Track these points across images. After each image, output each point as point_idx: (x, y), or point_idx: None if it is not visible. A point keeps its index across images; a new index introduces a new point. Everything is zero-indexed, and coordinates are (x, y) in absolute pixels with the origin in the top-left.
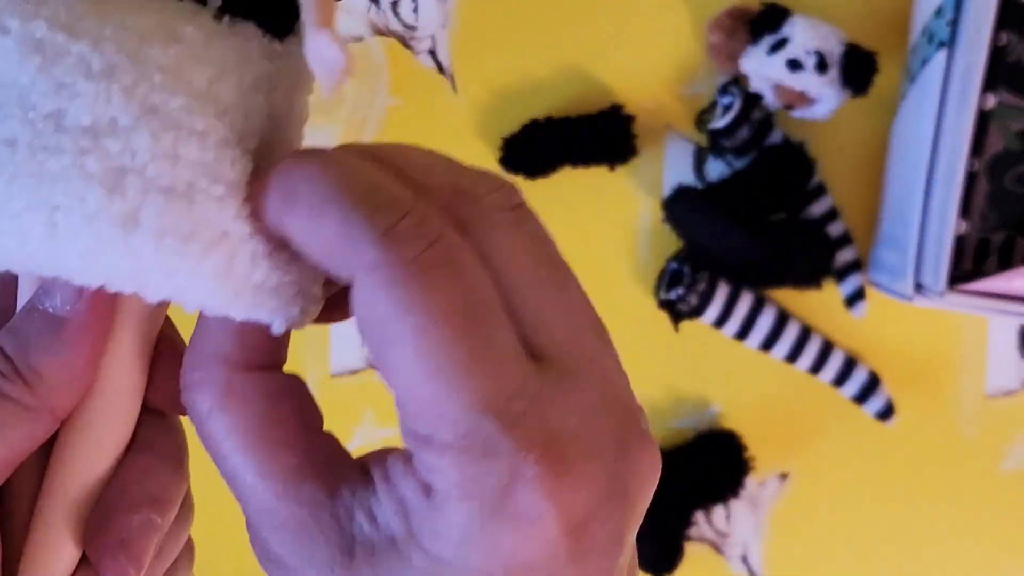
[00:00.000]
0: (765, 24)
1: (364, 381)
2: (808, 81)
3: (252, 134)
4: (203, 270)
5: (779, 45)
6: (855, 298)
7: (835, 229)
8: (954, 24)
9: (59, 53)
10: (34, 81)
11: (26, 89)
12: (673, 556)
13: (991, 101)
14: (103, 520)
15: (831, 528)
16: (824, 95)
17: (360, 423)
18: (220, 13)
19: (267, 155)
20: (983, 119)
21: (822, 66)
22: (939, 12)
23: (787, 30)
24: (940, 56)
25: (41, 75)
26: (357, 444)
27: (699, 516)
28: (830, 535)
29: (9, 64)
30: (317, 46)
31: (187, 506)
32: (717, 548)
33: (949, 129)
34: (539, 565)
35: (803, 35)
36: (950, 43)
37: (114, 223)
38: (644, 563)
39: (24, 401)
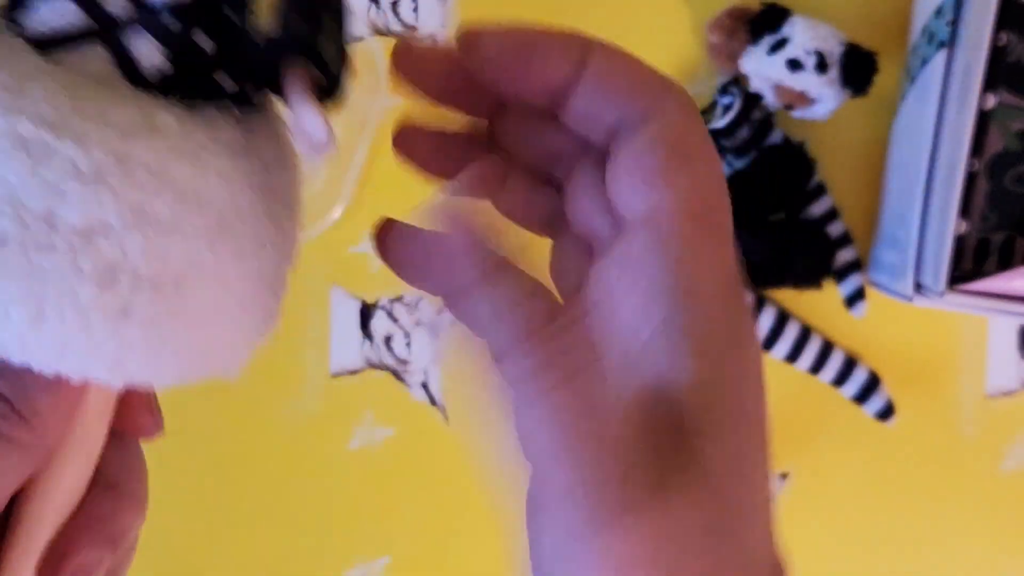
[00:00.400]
0: (765, 24)
1: (364, 381)
2: (808, 81)
3: (238, 215)
4: (186, 351)
5: (779, 45)
6: (855, 298)
7: (835, 229)
8: (954, 24)
9: (46, 153)
10: (23, 181)
11: (15, 187)
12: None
13: (991, 101)
14: (61, 555)
15: (831, 528)
16: (824, 95)
17: (360, 423)
18: (190, 96)
19: (257, 228)
20: (983, 119)
21: (822, 66)
22: (939, 12)
23: (787, 30)
24: (940, 56)
25: (30, 175)
26: (358, 444)
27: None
28: (830, 535)
29: None
30: (300, 118)
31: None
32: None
33: (949, 129)
34: None
35: (803, 35)
36: (950, 43)
37: (106, 315)
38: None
39: (22, 439)
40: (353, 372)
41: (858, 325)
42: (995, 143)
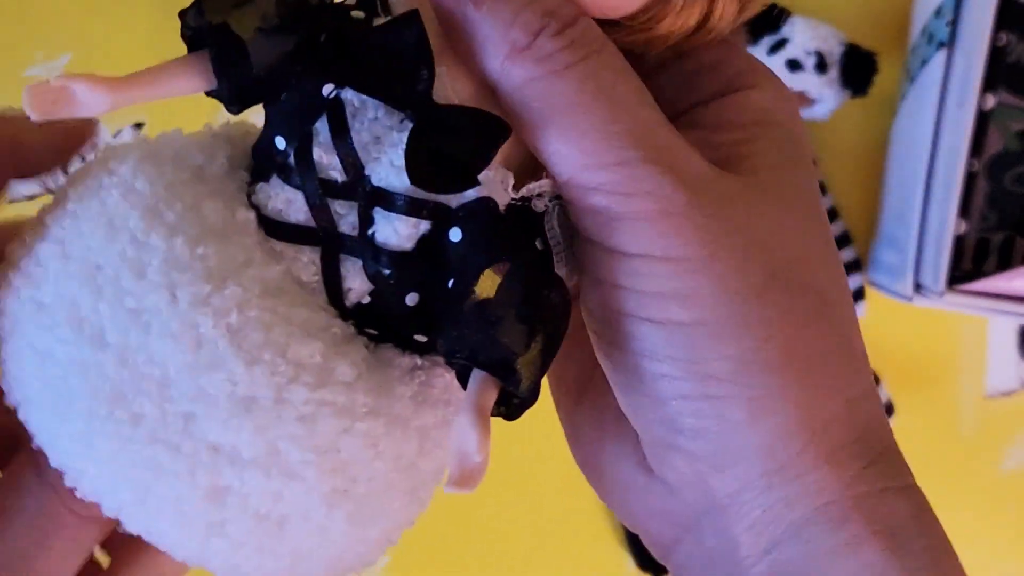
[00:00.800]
0: (765, 24)
1: None
2: (808, 81)
3: (369, 484)
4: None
5: (779, 45)
6: (854, 298)
7: (835, 229)
8: (954, 24)
9: (212, 363)
10: (179, 374)
11: (170, 379)
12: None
13: (990, 101)
14: None
15: None
16: (824, 95)
17: None
18: (378, 338)
19: (383, 501)
20: (982, 119)
21: (822, 66)
22: (939, 12)
23: (787, 30)
24: (940, 56)
25: (187, 372)
26: None
27: None
28: None
29: (164, 345)
30: (463, 433)
31: None
32: None
33: (949, 129)
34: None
35: (803, 35)
36: (950, 43)
37: (202, 525)
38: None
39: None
40: None
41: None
42: (994, 143)
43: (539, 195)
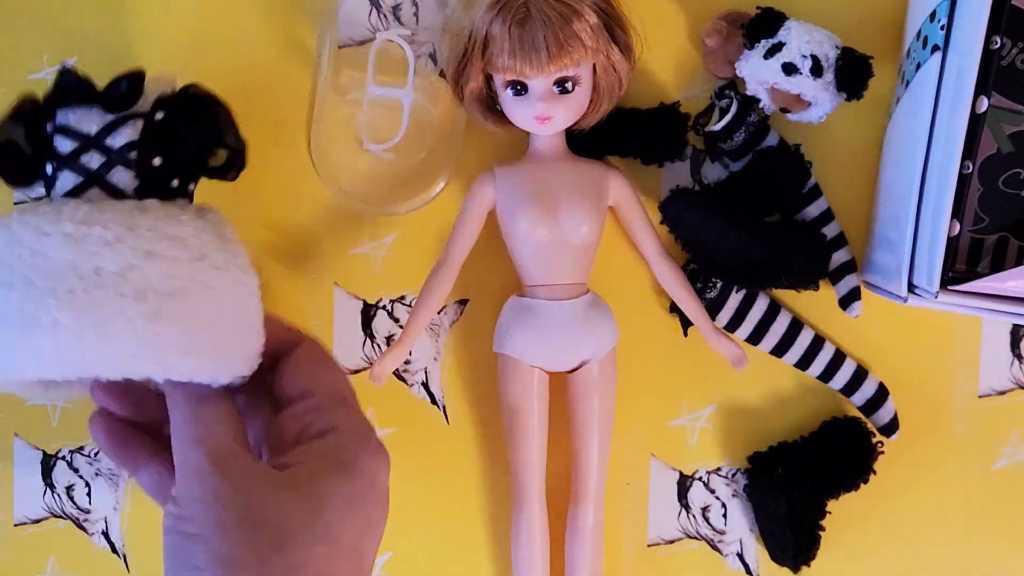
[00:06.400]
0: (761, 29)
1: (365, 380)
2: (803, 85)
3: (204, 246)
4: (207, 347)
5: (775, 49)
6: (850, 299)
7: (830, 231)
8: (948, 28)
9: (85, 237)
10: (75, 256)
11: (72, 261)
12: (811, 547)
13: (984, 104)
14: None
15: (826, 527)
16: (819, 98)
17: None
18: (158, 196)
19: (218, 256)
20: (976, 122)
21: (817, 70)
22: (933, 16)
23: (783, 34)
24: (934, 60)
25: (78, 251)
26: None
27: (696, 513)
28: (824, 534)
29: (57, 250)
30: (718, 345)
31: None
32: (713, 545)
33: (942, 131)
34: None
35: (798, 39)
36: (944, 47)
37: (146, 319)
38: (784, 556)
39: None
40: (355, 372)
41: (852, 326)
42: (988, 145)
43: None
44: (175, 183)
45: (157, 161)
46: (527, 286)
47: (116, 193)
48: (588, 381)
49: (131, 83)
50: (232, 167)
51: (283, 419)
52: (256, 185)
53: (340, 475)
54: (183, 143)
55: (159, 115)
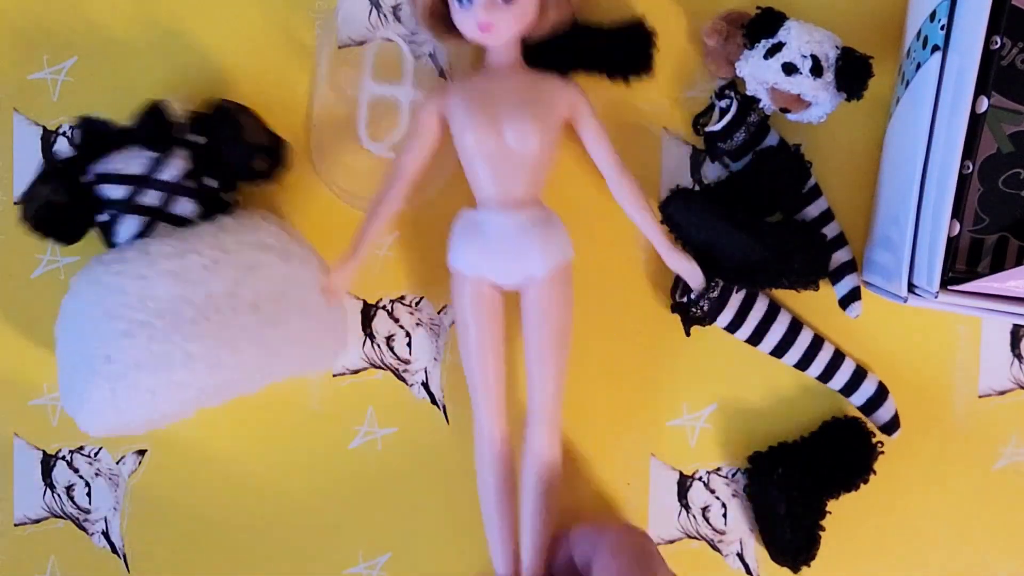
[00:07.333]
0: (761, 29)
1: (365, 380)
2: (803, 85)
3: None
4: (313, 335)
5: (775, 49)
6: (850, 298)
7: (830, 231)
8: (948, 28)
9: (185, 269)
10: (183, 289)
11: (181, 295)
12: (811, 547)
13: (984, 104)
14: None
15: (825, 527)
16: (819, 98)
17: (363, 422)
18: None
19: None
20: (976, 121)
21: (817, 70)
22: (933, 16)
23: (783, 34)
24: (934, 60)
25: (186, 284)
26: (359, 442)
27: (696, 513)
28: (824, 534)
29: (165, 288)
30: (675, 263)
31: None
32: (713, 546)
33: (942, 131)
34: None
35: (798, 39)
36: (944, 47)
37: (265, 327)
38: (784, 556)
39: None
40: (355, 372)
41: (852, 326)
42: (988, 145)
43: None
44: (226, 196)
45: (213, 183)
46: (478, 199)
47: (181, 222)
48: (541, 299)
49: (158, 117)
50: (275, 169)
51: None
52: (256, 185)
53: None
54: (229, 160)
55: (201, 139)
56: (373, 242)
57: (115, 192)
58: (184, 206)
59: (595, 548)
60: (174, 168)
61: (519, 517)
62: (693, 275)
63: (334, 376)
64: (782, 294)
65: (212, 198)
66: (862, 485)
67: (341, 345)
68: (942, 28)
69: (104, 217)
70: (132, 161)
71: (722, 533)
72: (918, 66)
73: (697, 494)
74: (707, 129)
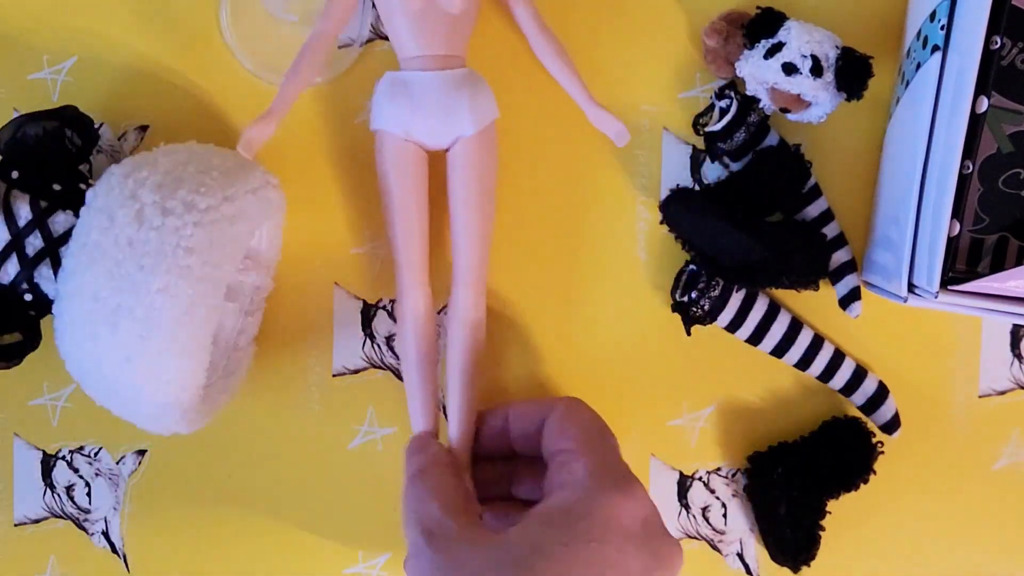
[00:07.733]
0: (761, 29)
1: (365, 380)
2: (803, 85)
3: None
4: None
5: (775, 49)
6: (850, 299)
7: (830, 231)
8: (948, 28)
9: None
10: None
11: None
12: (811, 547)
13: (984, 104)
14: None
15: (825, 527)
16: (819, 98)
17: (363, 421)
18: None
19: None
20: (976, 122)
21: (817, 70)
22: (933, 16)
23: (782, 34)
24: (934, 60)
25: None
26: (359, 442)
27: (696, 513)
28: (824, 534)
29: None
30: (599, 120)
31: None
32: (713, 546)
33: (942, 131)
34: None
35: (798, 39)
36: (944, 47)
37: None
38: (784, 556)
39: None
40: (355, 371)
41: (852, 326)
42: (988, 145)
43: None
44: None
45: (58, 186)
46: (402, 60)
47: (70, 225)
48: (466, 156)
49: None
50: (87, 150)
51: (546, 479)
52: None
53: (563, 543)
54: (48, 159)
55: (14, 174)
56: (291, 101)
57: (7, 276)
58: (60, 221)
59: (543, 419)
60: (22, 210)
61: (446, 383)
62: (617, 132)
63: (334, 376)
64: (782, 294)
65: (74, 192)
66: (862, 485)
67: (265, 181)
68: (942, 28)
69: (29, 298)
70: None
71: (722, 533)
72: (918, 66)
73: (697, 494)
74: (707, 129)
